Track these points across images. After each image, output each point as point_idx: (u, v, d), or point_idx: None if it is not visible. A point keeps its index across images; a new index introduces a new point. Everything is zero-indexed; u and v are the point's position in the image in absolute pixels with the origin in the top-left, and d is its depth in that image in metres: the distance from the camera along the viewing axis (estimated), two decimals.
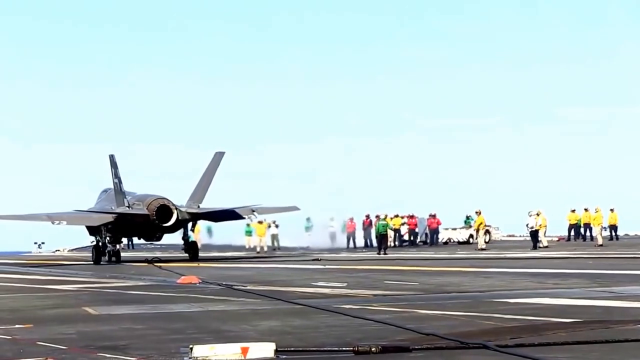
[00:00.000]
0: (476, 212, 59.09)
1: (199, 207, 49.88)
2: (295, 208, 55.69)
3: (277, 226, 68.58)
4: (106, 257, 48.66)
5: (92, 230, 50.69)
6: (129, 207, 48.84)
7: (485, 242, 71.48)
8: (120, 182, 49.31)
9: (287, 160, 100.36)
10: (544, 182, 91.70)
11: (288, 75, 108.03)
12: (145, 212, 47.89)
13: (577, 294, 19.67)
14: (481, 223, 57.16)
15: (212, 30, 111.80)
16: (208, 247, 63.68)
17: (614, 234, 62.26)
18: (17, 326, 15.36)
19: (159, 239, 51.31)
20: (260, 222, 65.72)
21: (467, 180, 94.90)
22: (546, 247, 53.76)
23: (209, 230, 66.45)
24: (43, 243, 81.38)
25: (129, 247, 67.34)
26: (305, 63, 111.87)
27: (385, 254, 51.01)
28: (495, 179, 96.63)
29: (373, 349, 11.01)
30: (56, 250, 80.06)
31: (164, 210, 47.88)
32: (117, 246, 49.86)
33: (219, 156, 51.12)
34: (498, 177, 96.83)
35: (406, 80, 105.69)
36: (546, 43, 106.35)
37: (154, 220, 47.76)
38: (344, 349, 11.27)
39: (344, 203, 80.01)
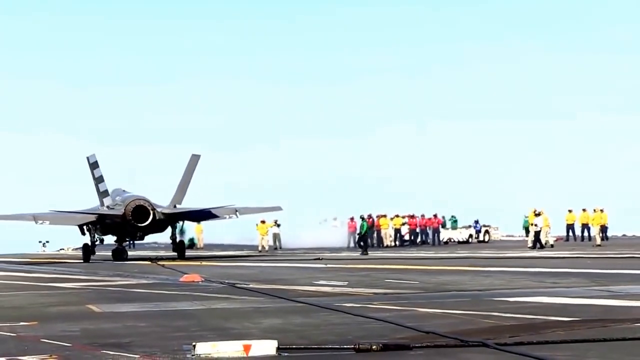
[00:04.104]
0: (535, 214, 57.95)
1: (175, 206, 50.76)
2: (278, 208, 56.60)
3: (278, 225, 68.76)
4: (94, 255, 50.39)
5: (82, 230, 51.83)
6: (107, 207, 50.26)
7: (485, 241, 71.84)
8: (99, 182, 50.65)
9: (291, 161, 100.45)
10: (542, 182, 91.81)
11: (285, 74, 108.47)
12: (122, 212, 49.14)
13: (576, 293, 19.77)
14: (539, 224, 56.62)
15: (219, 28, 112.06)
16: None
17: (603, 234, 62.05)
18: (21, 323, 15.48)
19: (141, 238, 52.56)
20: (262, 222, 66.02)
21: (465, 180, 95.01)
22: (543, 247, 53.63)
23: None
24: (47, 242, 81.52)
25: (129, 247, 67.77)
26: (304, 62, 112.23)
27: (365, 253, 50.94)
28: (493, 178, 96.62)
29: (374, 347, 11.08)
30: (61, 249, 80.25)
31: (141, 210, 49.06)
32: (124, 244, 51.00)
33: (195, 159, 51.72)
34: (496, 177, 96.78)
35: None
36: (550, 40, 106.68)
37: (130, 220, 48.91)
38: (345, 346, 11.34)
39: (346, 202, 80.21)
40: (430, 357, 10.83)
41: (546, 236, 54.51)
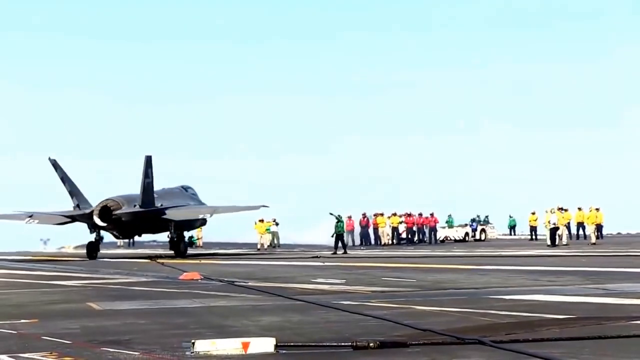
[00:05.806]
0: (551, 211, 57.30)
1: (135, 206, 51.29)
2: (263, 206, 56.75)
3: (277, 224, 68.89)
4: (97, 253, 51.39)
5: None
6: (77, 207, 51.66)
7: (482, 240, 72.01)
8: (63, 182, 51.69)
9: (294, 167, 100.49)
10: (538, 181, 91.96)
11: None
12: (89, 212, 50.57)
13: (571, 291, 19.86)
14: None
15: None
16: None
17: (598, 233, 62.10)
18: (22, 321, 15.54)
19: (125, 237, 54.82)
20: (261, 221, 66.17)
21: (462, 180, 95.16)
22: (555, 245, 52.75)
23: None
24: (48, 240, 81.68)
25: (129, 245, 68.07)
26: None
27: (345, 252, 50.88)
28: (490, 178, 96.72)
29: (371, 344, 11.11)
30: (61, 247, 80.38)
31: (105, 211, 50.04)
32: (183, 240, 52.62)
33: (147, 159, 51.85)
34: (493, 176, 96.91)
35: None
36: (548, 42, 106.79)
37: (93, 220, 50.25)
38: (342, 344, 11.38)
39: (342, 201, 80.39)
40: (427, 354, 10.88)
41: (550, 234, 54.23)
